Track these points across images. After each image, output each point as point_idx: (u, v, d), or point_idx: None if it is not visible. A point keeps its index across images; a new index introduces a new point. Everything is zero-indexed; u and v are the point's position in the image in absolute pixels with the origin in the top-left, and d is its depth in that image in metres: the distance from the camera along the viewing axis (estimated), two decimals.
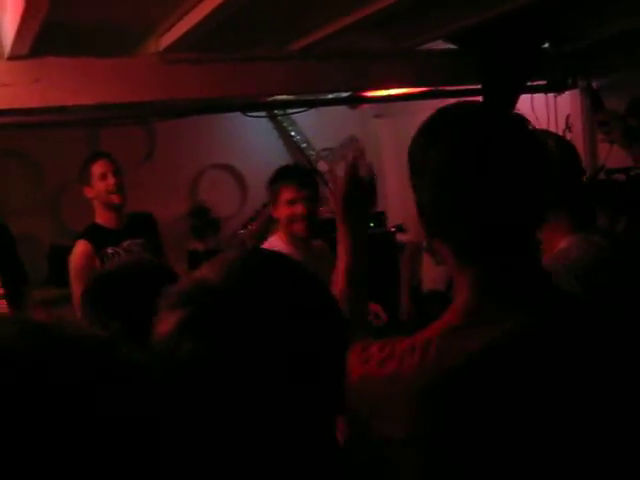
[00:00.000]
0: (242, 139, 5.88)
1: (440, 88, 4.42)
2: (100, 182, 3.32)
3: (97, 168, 3.34)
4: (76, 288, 3.12)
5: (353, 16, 3.01)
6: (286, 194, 2.92)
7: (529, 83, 3.98)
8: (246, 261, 0.81)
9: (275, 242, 2.98)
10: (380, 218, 5.60)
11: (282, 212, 2.95)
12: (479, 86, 3.91)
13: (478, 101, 1.14)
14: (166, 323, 0.74)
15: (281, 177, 3.01)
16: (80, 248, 3.29)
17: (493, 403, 0.99)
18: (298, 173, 3.09)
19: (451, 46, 3.83)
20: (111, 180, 3.32)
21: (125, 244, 3.36)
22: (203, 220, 5.66)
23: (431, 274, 3.79)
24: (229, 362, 0.72)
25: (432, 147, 1.05)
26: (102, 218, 3.41)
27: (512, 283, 1.04)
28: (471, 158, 1.01)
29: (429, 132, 1.08)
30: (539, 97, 4.33)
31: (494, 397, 0.99)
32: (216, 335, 0.72)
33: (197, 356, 0.72)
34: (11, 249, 3.02)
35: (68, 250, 4.99)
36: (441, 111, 1.10)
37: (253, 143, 5.94)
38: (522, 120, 1.09)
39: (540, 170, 1.06)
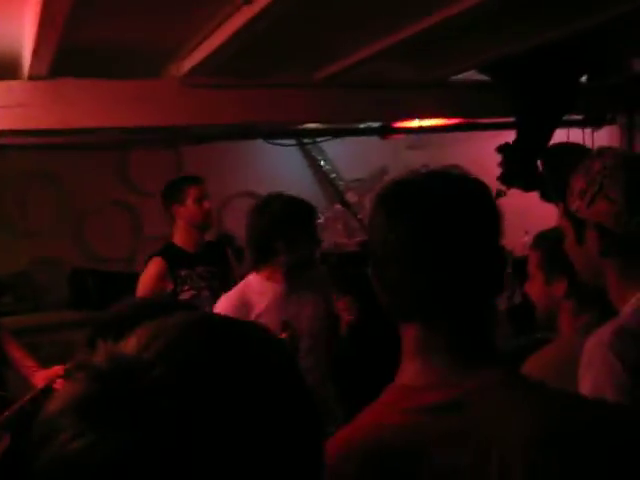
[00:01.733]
0: (270, 167, 5.81)
1: (473, 121, 4.31)
2: (196, 205, 3.38)
3: (195, 191, 3.40)
4: None
5: (382, 43, 2.91)
6: None
7: (565, 117, 3.83)
8: (186, 335, 0.61)
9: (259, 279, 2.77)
10: None
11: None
12: (513, 119, 3.78)
13: (435, 171, 1.12)
14: (59, 398, 0.57)
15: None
16: (155, 266, 3.29)
17: None
18: None
19: (485, 77, 3.71)
20: (207, 204, 3.42)
21: (199, 269, 3.37)
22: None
23: None
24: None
25: (393, 221, 1.04)
26: (181, 240, 3.43)
27: (457, 348, 1.02)
28: (431, 228, 1.02)
29: (390, 205, 1.07)
30: (576, 132, 4.18)
31: None
32: (111, 427, 0.54)
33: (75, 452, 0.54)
34: None
35: (89, 273, 4.97)
36: (401, 182, 1.09)
37: (281, 171, 5.85)
38: (481, 189, 1.09)
39: (494, 241, 1.06)
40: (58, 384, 2.50)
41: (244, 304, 2.63)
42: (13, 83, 2.86)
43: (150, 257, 3.37)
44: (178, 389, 0.55)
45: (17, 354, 2.81)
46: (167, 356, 0.58)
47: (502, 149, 3.59)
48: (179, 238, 3.43)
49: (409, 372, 1.03)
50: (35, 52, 2.48)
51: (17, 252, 4.98)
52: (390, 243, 1.03)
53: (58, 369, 2.57)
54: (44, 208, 5.17)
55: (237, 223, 5.84)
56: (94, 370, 0.57)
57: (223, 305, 2.65)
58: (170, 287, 3.26)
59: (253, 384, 0.60)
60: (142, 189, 5.28)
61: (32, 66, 2.67)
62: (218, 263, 3.49)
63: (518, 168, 3.46)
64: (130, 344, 0.60)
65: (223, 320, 0.71)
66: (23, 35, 2.65)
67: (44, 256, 5.16)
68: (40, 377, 2.63)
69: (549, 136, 3.61)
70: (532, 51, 3.20)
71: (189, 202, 3.38)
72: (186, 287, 3.30)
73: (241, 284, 2.80)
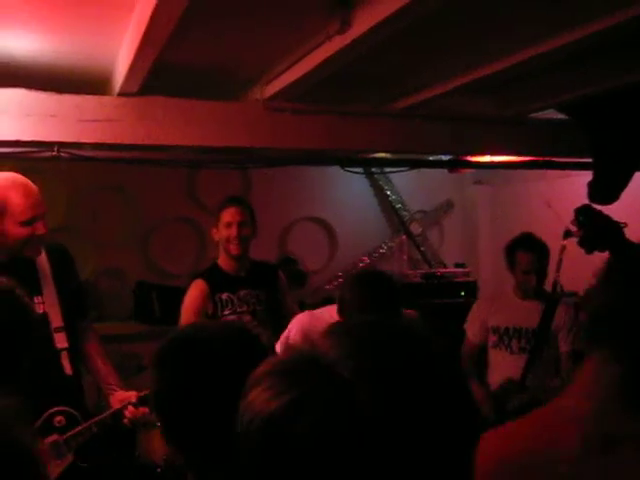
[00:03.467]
0: (337, 194, 5.85)
1: (546, 158, 4.27)
2: (225, 229, 3.27)
3: (226, 216, 3.28)
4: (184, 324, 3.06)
5: (464, 78, 2.93)
6: None
7: None
8: (376, 335, 0.70)
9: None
10: (472, 287, 5.40)
11: None
12: (589, 160, 3.73)
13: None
14: (269, 403, 0.64)
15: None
16: (197, 288, 3.23)
17: None
18: None
19: (562, 116, 3.69)
20: (234, 231, 3.25)
21: (242, 293, 3.29)
22: (290, 271, 5.61)
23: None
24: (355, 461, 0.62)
25: None
26: (224, 263, 3.35)
27: None
28: None
29: None
30: None
31: None
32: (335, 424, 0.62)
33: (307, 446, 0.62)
34: (73, 275, 2.91)
35: (153, 287, 5.06)
36: None
37: (348, 199, 5.89)
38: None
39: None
40: (129, 411, 2.47)
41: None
42: (104, 99, 2.96)
43: (194, 278, 3.32)
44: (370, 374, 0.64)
45: (103, 368, 2.73)
46: (357, 354, 0.66)
47: (580, 213, 3.47)
48: (222, 260, 3.36)
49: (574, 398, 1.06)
50: (130, 70, 2.57)
51: (84, 261, 5.10)
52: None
53: (132, 395, 2.53)
54: (113, 220, 5.30)
55: (301, 247, 5.91)
56: (287, 378, 0.66)
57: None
58: (210, 310, 3.19)
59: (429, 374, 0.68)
60: (209, 207, 5.36)
61: (125, 83, 2.76)
62: (264, 287, 3.37)
63: (600, 229, 3.33)
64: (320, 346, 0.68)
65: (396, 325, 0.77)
66: (118, 53, 2.76)
67: (110, 268, 5.28)
68: (116, 399, 2.58)
69: (627, 179, 3.55)
70: (612, 91, 3.16)
71: (221, 226, 3.29)
72: (227, 311, 3.23)
73: (328, 309, 2.78)
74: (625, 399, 1.02)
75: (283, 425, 0.63)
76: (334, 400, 0.63)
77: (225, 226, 3.25)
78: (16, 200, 2.37)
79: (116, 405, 2.50)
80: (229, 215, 3.26)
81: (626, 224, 3.05)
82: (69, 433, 2.42)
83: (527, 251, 3.41)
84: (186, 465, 1.09)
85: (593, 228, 3.16)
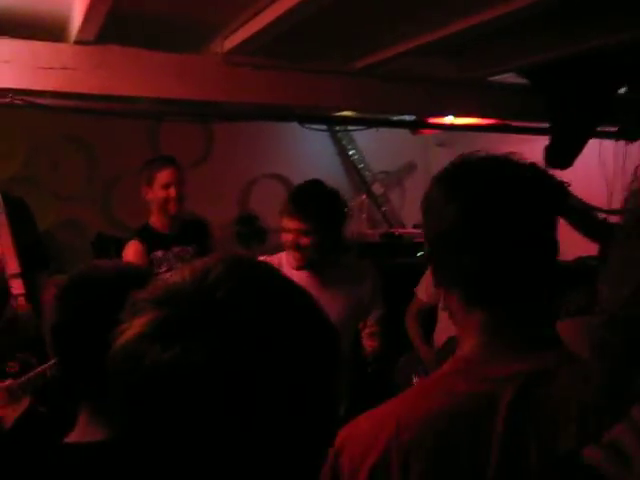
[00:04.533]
0: (299, 151, 5.84)
1: (507, 122, 4.30)
2: (162, 190, 3.35)
3: (162, 177, 3.35)
4: None
5: (425, 38, 2.93)
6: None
7: (599, 128, 3.83)
8: (227, 267, 0.71)
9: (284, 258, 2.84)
10: None
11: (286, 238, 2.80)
12: (547, 125, 3.78)
13: (499, 155, 1.12)
14: (130, 330, 0.66)
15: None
16: (133, 248, 3.32)
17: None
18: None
19: (522, 80, 3.71)
20: (172, 192, 3.34)
21: (176, 250, 3.38)
22: (250, 228, 5.63)
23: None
24: (207, 370, 0.63)
25: (452, 196, 1.08)
26: (156, 221, 3.43)
27: (518, 330, 1.05)
28: (489, 207, 1.04)
29: (449, 182, 1.11)
30: (608, 144, 4.17)
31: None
32: (193, 339, 0.64)
33: (168, 363, 0.64)
34: (30, 227, 2.96)
35: (112, 240, 5.03)
36: (463, 161, 1.13)
37: (310, 156, 5.88)
38: (540, 174, 1.12)
39: (553, 221, 1.10)
40: None
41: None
42: (60, 46, 2.90)
43: (129, 239, 3.39)
44: (241, 305, 0.66)
45: None
46: (225, 281, 0.68)
47: None
48: (154, 219, 3.43)
49: (472, 347, 1.07)
50: (86, 17, 2.52)
51: (43, 213, 5.04)
52: (447, 225, 1.06)
53: None
54: (73, 171, 5.24)
55: (262, 204, 5.91)
56: (156, 301, 0.67)
57: None
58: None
59: (291, 307, 0.72)
60: None
61: (80, 30, 2.71)
62: (197, 242, 3.46)
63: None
64: (181, 277, 0.70)
65: (254, 260, 0.80)
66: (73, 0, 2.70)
67: (70, 219, 5.24)
68: None
69: (581, 145, 3.61)
70: (572, 58, 3.19)
71: (156, 187, 3.35)
72: (163, 268, 3.30)
73: (280, 255, 2.87)
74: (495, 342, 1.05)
75: (146, 346, 0.65)
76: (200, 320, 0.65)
77: (162, 187, 3.33)
78: None
79: None
80: (166, 176, 3.34)
81: (569, 183, 3.12)
82: (23, 377, 2.45)
83: None
84: (82, 395, 1.18)
85: None
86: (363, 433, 1.01)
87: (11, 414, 2.40)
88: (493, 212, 1.04)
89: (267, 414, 0.65)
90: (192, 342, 0.63)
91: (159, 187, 3.35)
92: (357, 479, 0.97)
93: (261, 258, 2.78)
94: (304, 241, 2.68)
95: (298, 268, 2.73)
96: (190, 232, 3.49)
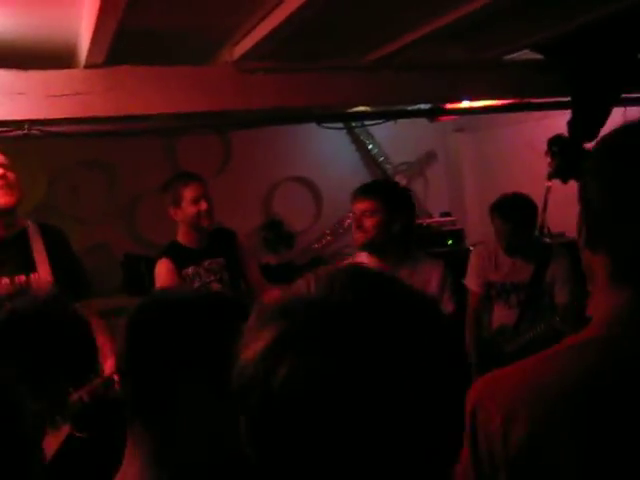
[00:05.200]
0: (318, 152, 5.81)
1: (525, 101, 4.24)
2: (192, 206, 3.30)
3: (189, 192, 3.30)
4: None
5: (432, 25, 2.88)
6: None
7: (623, 95, 3.74)
8: (351, 276, 0.70)
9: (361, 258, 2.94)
10: (459, 235, 5.41)
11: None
12: (568, 99, 3.70)
13: None
14: (256, 343, 0.64)
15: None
16: (164, 266, 3.27)
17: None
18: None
19: (538, 56, 3.64)
20: (204, 205, 3.30)
21: (206, 263, 3.33)
22: (276, 233, 5.61)
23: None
24: (337, 387, 0.62)
25: (612, 156, 1.04)
26: (185, 238, 3.39)
27: None
28: None
29: (610, 143, 1.07)
30: (633, 110, 4.07)
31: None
32: (322, 351, 0.63)
33: (297, 376, 0.63)
34: (69, 257, 3.00)
35: (142, 259, 5.05)
36: (627, 126, 1.07)
37: (329, 156, 5.85)
38: None
39: None
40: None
41: None
42: (71, 72, 2.90)
43: (157, 258, 3.35)
44: (370, 313, 0.65)
45: (100, 339, 2.75)
46: (351, 290, 0.67)
47: (553, 143, 3.49)
48: (182, 236, 3.39)
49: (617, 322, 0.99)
50: (93, 40, 2.51)
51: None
52: (606, 196, 1.00)
53: None
54: (95, 194, 5.26)
55: (286, 208, 5.90)
56: (283, 311, 0.66)
57: None
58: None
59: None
60: None
61: (89, 54, 2.71)
62: (226, 253, 3.42)
63: (573, 157, 3.37)
64: (306, 286, 0.69)
65: (377, 272, 0.77)
66: (80, 24, 2.69)
67: (96, 242, 5.26)
68: (108, 366, 2.61)
69: (606, 115, 3.53)
70: (587, 27, 3.12)
71: (185, 204, 3.31)
72: (196, 284, 3.27)
73: (357, 255, 3.00)
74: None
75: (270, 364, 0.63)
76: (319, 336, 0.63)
77: (192, 203, 3.29)
78: None
79: (107, 374, 2.53)
80: (194, 191, 3.30)
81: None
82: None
83: (502, 219, 3.44)
84: (146, 426, 1.09)
85: (566, 156, 3.18)
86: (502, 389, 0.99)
87: (53, 442, 2.40)
88: None
89: (403, 423, 0.64)
90: (321, 353, 0.62)
91: (188, 204, 3.30)
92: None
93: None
94: (368, 222, 2.84)
95: (360, 249, 2.91)
96: (218, 243, 3.44)
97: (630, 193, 0.98)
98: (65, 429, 2.43)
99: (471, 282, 3.60)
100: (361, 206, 2.86)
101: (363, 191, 2.91)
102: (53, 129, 3.13)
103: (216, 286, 3.26)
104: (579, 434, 0.91)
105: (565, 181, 3.40)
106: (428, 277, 2.88)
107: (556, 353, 1.00)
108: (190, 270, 3.29)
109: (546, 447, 0.92)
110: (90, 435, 2.48)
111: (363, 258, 2.90)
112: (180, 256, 3.32)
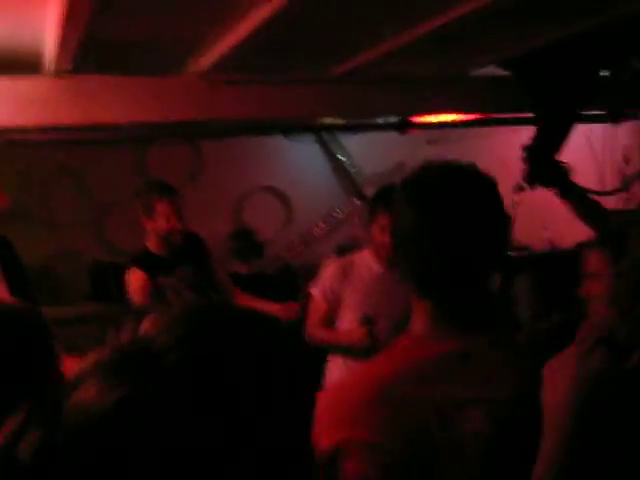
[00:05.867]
0: (289, 162, 5.82)
1: (493, 116, 4.30)
2: (164, 221, 3.24)
3: (163, 208, 3.23)
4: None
5: (401, 39, 2.92)
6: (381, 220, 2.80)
7: (585, 112, 3.81)
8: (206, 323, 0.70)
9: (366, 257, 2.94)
10: None
11: (377, 237, 2.83)
12: (532, 115, 3.77)
13: (455, 164, 1.30)
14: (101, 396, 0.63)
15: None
16: (137, 277, 3.22)
17: None
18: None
19: (504, 72, 3.70)
20: (177, 224, 3.25)
21: (178, 272, 3.30)
22: (246, 242, 5.60)
23: None
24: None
25: (411, 202, 1.22)
26: (155, 246, 3.33)
27: (458, 315, 1.20)
28: (442, 215, 1.18)
29: (410, 188, 1.25)
30: (596, 127, 4.16)
31: None
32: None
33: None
34: (17, 265, 2.98)
35: (109, 266, 5.02)
36: (423, 170, 1.27)
37: (300, 166, 5.86)
38: (485, 180, 1.26)
39: (495, 225, 1.23)
40: None
41: (345, 273, 2.86)
42: (37, 79, 2.90)
43: (128, 266, 3.29)
44: (187, 366, 0.64)
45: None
46: (180, 345, 0.66)
47: (525, 150, 3.60)
48: (152, 244, 3.34)
49: (422, 326, 1.22)
50: (60, 46, 2.51)
51: (38, 245, 5.03)
52: (409, 229, 1.20)
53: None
54: (65, 202, 5.23)
55: (256, 216, 5.89)
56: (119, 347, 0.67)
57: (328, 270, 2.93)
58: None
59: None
60: None
61: (57, 62, 2.71)
62: (194, 260, 3.39)
63: (540, 166, 3.46)
64: (146, 328, 0.68)
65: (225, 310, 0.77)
66: (45, 31, 2.69)
67: (65, 249, 5.22)
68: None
69: (568, 131, 3.60)
70: (551, 45, 3.18)
71: (157, 218, 3.25)
72: (169, 293, 3.24)
73: (354, 256, 2.99)
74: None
75: (113, 423, 0.62)
76: (159, 397, 0.63)
77: (164, 218, 3.23)
78: None
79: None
80: (167, 207, 3.24)
81: (568, 164, 3.16)
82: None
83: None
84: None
85: (537, 163, 3.27)
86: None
87: None
88: (443, 220, 1.18)
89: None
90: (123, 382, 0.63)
91: (161, 218, 3.24)
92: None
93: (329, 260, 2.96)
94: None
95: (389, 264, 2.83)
96: (188, 250, 3.39)
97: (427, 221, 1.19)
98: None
99: None
100: (384, 221, 2.73)
101: (386, 203, 2.82)
102: (18, 137, 3.12)
103: (188, 293, 3.25)
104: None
105: (531, 185, 3.49)
106: None
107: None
108: (163, 280, 3.26)
109: None
110: None
111: (367, 260, 2.89)
112: (151, 265, 3.27)
